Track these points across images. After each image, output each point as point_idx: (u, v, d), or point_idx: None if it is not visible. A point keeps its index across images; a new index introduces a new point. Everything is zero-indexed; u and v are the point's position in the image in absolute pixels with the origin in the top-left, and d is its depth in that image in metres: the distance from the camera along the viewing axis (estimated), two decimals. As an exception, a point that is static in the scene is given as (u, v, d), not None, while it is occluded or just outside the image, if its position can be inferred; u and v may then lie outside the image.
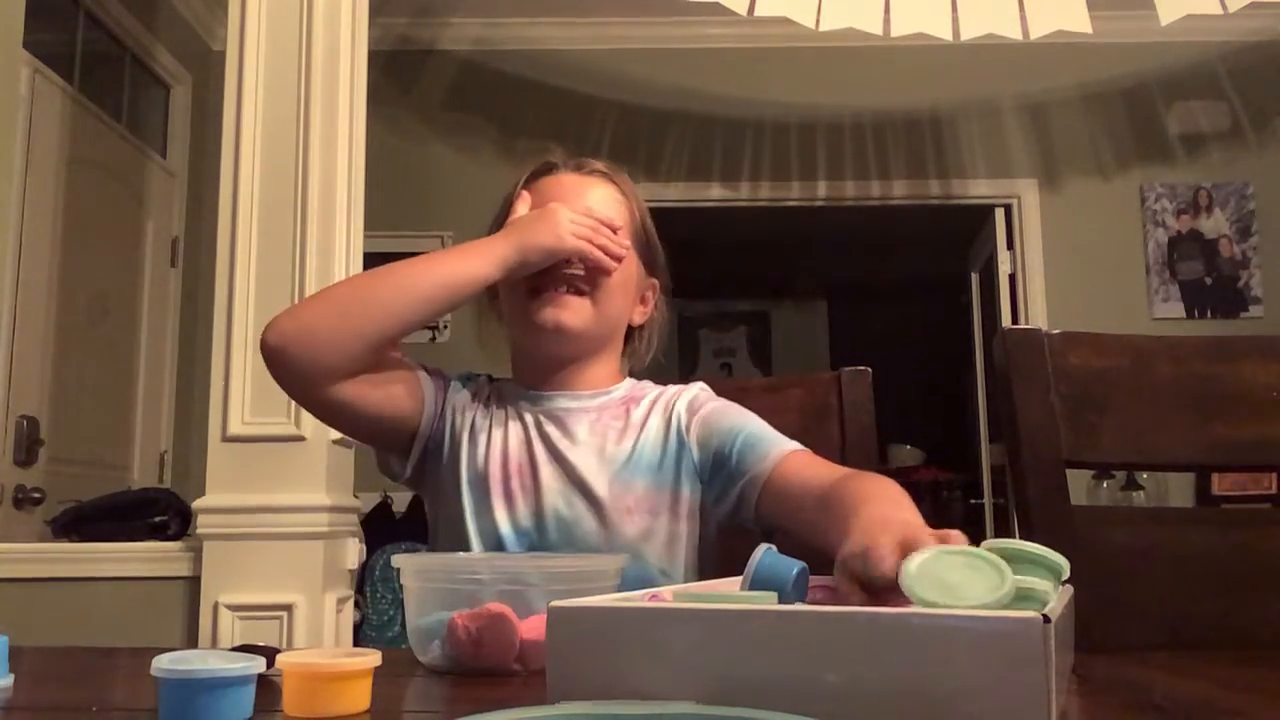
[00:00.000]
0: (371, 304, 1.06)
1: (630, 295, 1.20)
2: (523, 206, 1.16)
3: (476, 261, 1.09)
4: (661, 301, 1.25)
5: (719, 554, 1.16)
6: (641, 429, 1.14)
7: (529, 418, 1.15)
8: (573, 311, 1.12)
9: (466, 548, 1.11)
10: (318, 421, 2.21)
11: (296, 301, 2.28)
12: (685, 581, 1.09)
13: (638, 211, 1.22)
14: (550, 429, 1.14)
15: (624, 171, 1.24)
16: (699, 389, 1.20)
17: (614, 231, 1.14)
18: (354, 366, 1.05)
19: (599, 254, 1.12)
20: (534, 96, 4.03)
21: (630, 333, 1.24)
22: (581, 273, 1.12)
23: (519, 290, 1.13)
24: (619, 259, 1.13)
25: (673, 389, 1.20)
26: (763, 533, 1.08)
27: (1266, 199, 4.00)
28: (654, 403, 1.17)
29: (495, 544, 1.10)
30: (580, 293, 1.13)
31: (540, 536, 1.10)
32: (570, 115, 4.03)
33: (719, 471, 1.11)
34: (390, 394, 1.11)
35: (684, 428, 1.14)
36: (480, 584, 0.83)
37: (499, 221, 1.18)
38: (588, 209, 1.14)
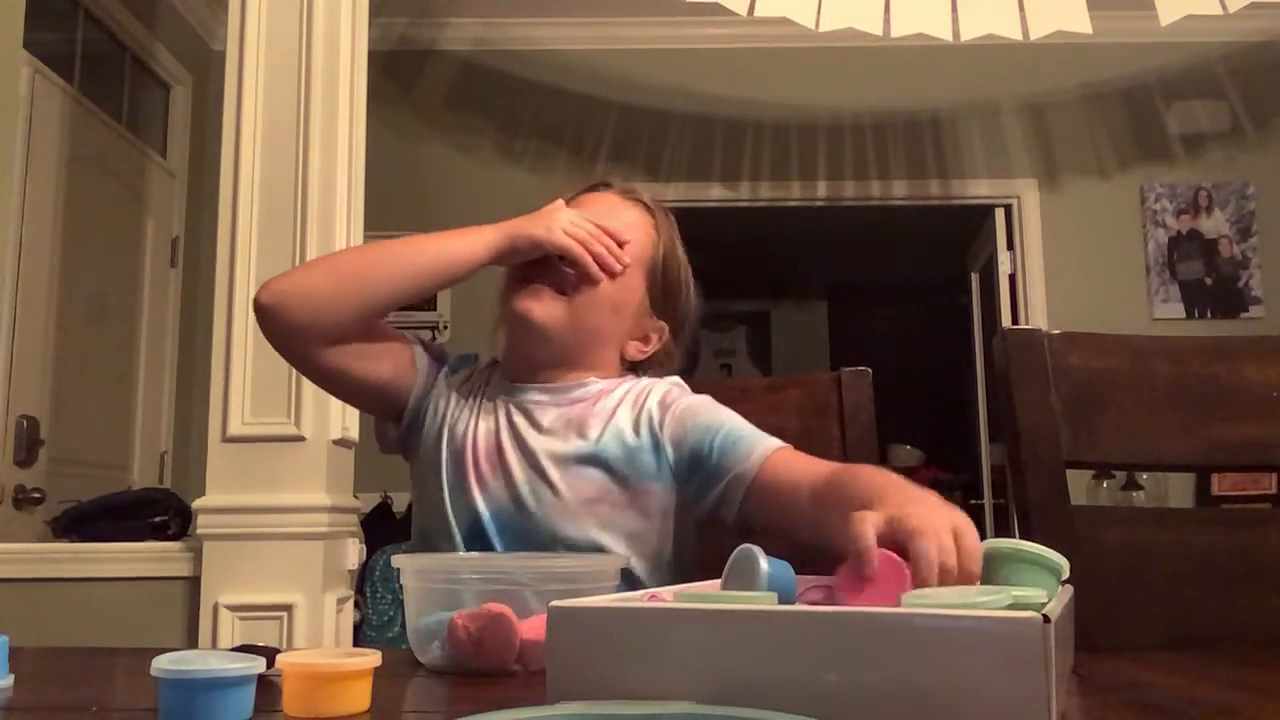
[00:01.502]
0: (368, 274, 1.11)
1: (620, 318, 1.18)
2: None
3: (468, 243, 1.13)
4: (670, 347, 1.22)
5: (701, 553, 1.16)
6: (608, 422, 1.13)
7: (502, 408, 1.16)
8: (544, 306, 1.13)
9: (445, 526, 1.12)
10: (318, 421, 2.24)
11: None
12: (652, 578, 1.10)
13: (662, 247, 1.20)
14: (518, 419, 1.15)
15: (663, 210, 1.24)
16: (671, 383, 1.19)
17: (620, 245, 1.14)
18: (344, 332, 1.10)
19: (587, 258, 1.12)
20: (534, 96, 4.03)
21: (634, 369, 1.22)
22: (571, 274, 1.13)
23: (511, 280, 1.16)
24: (611, 272, 1.13)
25: (644, 382, 1.19)
26: (741, 530, 1.07)
27: (1266, 199, 4.00)
28: (624, 396, 1.17)
29: (472, 523, 1.12)
30: (562, 292, 1.13)
31: (509, 520, 1.11)
32: (570, 115, 4.03)
33: (697, 470, 1.11)
34: (380, 364, 1.15)
35: (657, 425, 1.13)
36: (480, 584, 0.83)
37: None
38: (596, 217, 1.15)
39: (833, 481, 0.94)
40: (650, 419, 1.14)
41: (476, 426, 1.15)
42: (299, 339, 1.10)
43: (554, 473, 1.11)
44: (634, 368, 1.22)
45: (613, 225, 1.15)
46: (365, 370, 1.14)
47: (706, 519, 1.13)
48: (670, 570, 1.12)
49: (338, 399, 1.29)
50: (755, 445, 1.07)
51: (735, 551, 0.77)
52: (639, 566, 1.11)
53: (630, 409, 1.15)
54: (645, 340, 1.20)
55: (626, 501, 1.11)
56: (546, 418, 1.14)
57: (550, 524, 1.10)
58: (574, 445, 1.12)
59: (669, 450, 1.12)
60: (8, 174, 2.59)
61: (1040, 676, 0.51)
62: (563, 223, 1.12)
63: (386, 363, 1.15)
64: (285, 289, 1.09)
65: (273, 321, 1.09)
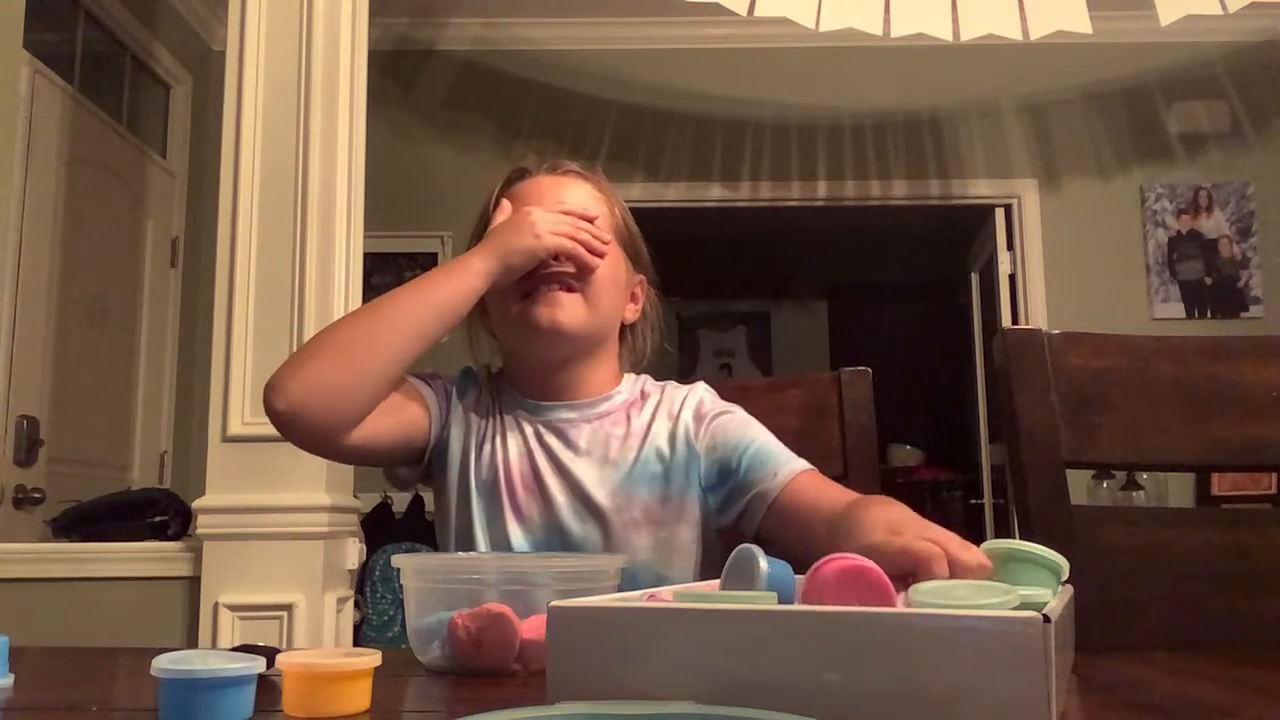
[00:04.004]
0: (376, 346, 1.04)
1: (621, 291, 1.18)
2: (501, 215, 1.15)
3: (461, 278, 1.07)
4: (653, 296, 1.24)
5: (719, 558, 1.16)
6: (645, 437, 1.13)
7: (528, 428, 1.14)
8: (566, 309, 1.10)
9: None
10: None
11: (295, 305, 2.28)
12: None
13: (618, 209, 1.20)
14: (551, 439, 1.13)
15: (599, 171, 1.22)
16: (703, 392, 1.18)
17: (591, 223, 1.12)
18: (368, 411, 1.04)
19: (581, 249, 1.10)
20: (534, 96, 4.03)
21: (624, 332, 1.22)
22: (570, 269, 1.11)
23: (510, 296, 1.11)
24: (601, 253, 1.12)
25: (674, 389, 1.19)
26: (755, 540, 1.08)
27: (1266, 199, 4.00)
28: (657, 407, 1.16)
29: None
30: (571, 289, 1.11)
31: (548, 550, 1.10)
32: (570, 115, 4.03)
33: (724, 481, 1.11)
34: (402, 421, 1.10)
35: (692, 435, 1.13)
36: (480, 583, 0.83)
37: (479, 233, 1.16)
38: (561, 203, 1.13)
39: (849, 511, 0.94)
40: (686, 431, 1.14)
41: (506, 452, 1.12)
42: (323, 438, 1.04)
43: (600, 497, 1.10)
44: (624, 335, 1.22)
45: (577, 207, 1.13)
46: (389, 437, 1.09)
47: (728, 530, 1.14)
48: (700, 578, 1.12)
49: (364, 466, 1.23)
50: (782, 465, 1.08)
51: (735, 551, 0.77)
52: (685, 577, 1.10)
53: (666, 421, 1.15)
54: (634, 299, 1.21)
55: (670, 517, 1.11)
56: (581, 438, 1.13)
57: (599, 548, 1.09)
58: (616, 467, 1.11)
59: (702, 460, 1.13)
60: (8, 174, 2.59)
61: (1040, 676, 0.51)
62: (546, 224, 1.09)
63: (404, 421, 1.10)
64: (297, 389, 1.01)
65: (293, 425, 1.02)
